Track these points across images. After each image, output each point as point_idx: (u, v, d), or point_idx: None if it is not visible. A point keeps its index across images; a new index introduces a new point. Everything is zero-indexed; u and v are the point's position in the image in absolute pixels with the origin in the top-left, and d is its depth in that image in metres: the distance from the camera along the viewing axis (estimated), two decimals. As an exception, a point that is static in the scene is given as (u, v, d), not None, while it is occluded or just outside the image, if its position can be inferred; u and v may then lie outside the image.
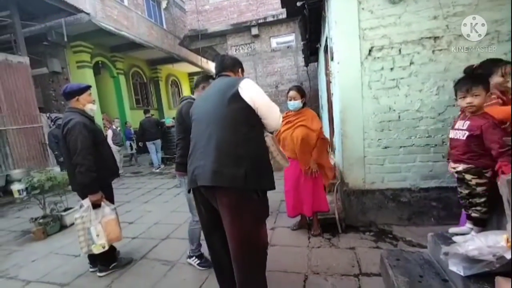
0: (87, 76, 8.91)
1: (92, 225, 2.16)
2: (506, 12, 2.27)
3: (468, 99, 1.55)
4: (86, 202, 2.17)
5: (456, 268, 1.33)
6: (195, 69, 14.93)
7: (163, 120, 8.92)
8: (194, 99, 2.30)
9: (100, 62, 9.93)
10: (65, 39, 7.73)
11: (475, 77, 1.63)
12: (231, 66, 1.73)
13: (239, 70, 1.77)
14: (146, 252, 2.70)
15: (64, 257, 2.74)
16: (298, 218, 2.85)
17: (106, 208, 2.24)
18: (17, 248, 3.09)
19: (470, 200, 1.56)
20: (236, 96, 1.45)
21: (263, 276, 1.59)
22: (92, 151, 2.12)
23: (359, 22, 2.55)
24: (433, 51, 2.44)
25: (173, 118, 9.93)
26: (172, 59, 12.49)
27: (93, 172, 2.10)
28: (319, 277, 2.03)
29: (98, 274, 2.34)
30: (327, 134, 5.31)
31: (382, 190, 2.70)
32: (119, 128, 6.97)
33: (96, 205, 2.19)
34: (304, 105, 2.62)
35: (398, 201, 2.66)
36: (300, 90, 2.59)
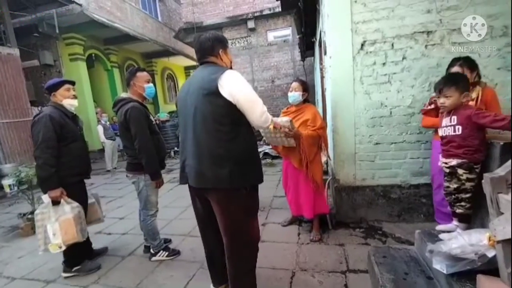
0: (80, 69, 8.76)
1: (49, 222, 2.06)
2: (501, 7, 2.23)
3: (441, 100, 1.61)
4: (46, 198, 2.09)
5: (439, 266, 1.33)
6: (191, 62, 14.74)
7: (158, 114, 8.84)
8: (138, 101, 2.24)
9: (93, 54, 9.74)
10: (57, 31, 7.56)
11: (448, 78, 1.68)
12: (210, 49, 1.53)
13: (220, 51, 1.55)
14: (135, 248, 2.67)
15: (51, 254, 2.70)
16: (290, 214, 2.84)
17: (66, 206, 2.11)
18: (4, 244, 3.06)
19: (457, 195, 1.56)
20: (215, 94, 1.37)
21: (253, 270, 1.62)
22: (53, 145, 2.05)
23: (352, 15, 2.50)
24: (425, 46, 2.40)
25: (169, 112, 9.91)
26: (168, 52, 12.31)
27: (51, 167, 2.03)
28: (307, 273, 2.02)
29: (62, 274, 2.27)
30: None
31: (372, 186, 2.68)
32: (108, 123, 6.87)
33: (55, 202, 2.10)
34: (305, 101, 2.51)
35: (389, 198, 2.65)
36: (303, 83, 2.47)
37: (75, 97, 2.31)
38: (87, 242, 2.38)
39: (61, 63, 8.56)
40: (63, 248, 2.10)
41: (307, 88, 2.49)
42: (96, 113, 8.49)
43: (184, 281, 2.08)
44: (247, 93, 1.41)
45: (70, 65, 8.71)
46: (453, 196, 1.59)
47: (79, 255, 2.28)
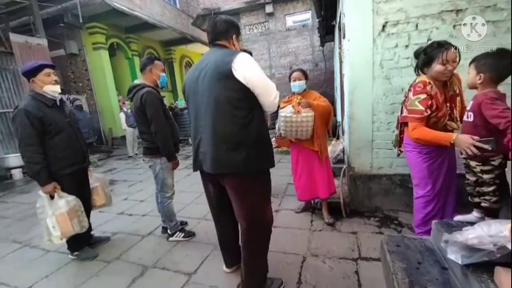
0: (103, 58, 9.06)
1: (48, 216, 2.06)
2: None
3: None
4: (42, 193, 2.08)
5: (454, 256, 1.28)
6: (208, 49, 14.72)
7: (176, 102, 8.99)
8: (152, 87, 2.27)
9: (115, 43, 10.02)
10: (81, 20, 7.81)
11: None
12: (224, 33, 1.52)
13: (233, 36, 1.55)
14: (154, 228, 2.82)
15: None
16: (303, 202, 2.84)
17: (60, 200, 2.07)
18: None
19: (478, 188, 1.47)
20: (230, 77, 1.36)
21: (266, 253, 1.67)
22: (34, 142, 1.96)
23: (373, -6, 2.35)
24: (454, 26, 2.23)
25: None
26: (186, 39, 12.35)
27: (37, 164, 1.97)
28: (317, 259, 2.03)
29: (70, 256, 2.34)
30: (339, 117, 5.14)
31: (389, 175, 2.60)
32: (130, 110, 7.11)
33: (52, 196, 2.08)
34: (305, 88, 2.54)
35: (406, 187, 2.56)
36: (303, 72, 2.53)
37: (56, 82, 2.12)
38: (88, 229, 2.36)
39: (85, 52, 8.89)
40: (64, 240, 2.15)
41: (307, 76, 2.56)
42: (119, 101, 8.80)
43: (199, 261, 2.17)
44: (261, 76, 1.40)
45: (93, 54, 9.02)
46: (474, 189, 1.50)
47: (77, 242, 2.30)
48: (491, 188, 1.43)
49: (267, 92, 1.43)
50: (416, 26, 2.31)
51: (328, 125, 2.53)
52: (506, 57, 1.42)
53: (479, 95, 1.44)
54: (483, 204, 1.50)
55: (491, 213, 1.51)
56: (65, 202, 2.10)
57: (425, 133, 1.61)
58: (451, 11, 2.21)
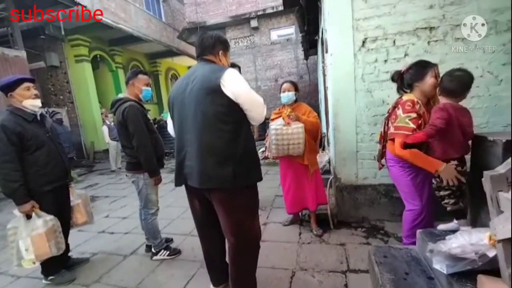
0: (86, 70, 8.88)
1: (21, 238, 1.91)
2: (506, 1, 2.17)
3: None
4: (17, 212, 1.96)
5: (439, 266, 1.30)
6: (195, 62, 14.75)
7: (162, 115, 8.89)
8: (135, 101, 2.25)
9: (98, 56, 9.87)
10: (63, 33, 7.68)
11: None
12: (210, 48, 1.54)
13: (220, 52, 1.56)
14: (137, 247, 2.69)
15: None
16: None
17: (38, 220, 1.95)
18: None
19: (437, 193, 1.59)
20: (218, 92, 1.36)
21: (255, 270, 1.63)
22: (11, 159, 1.87)
23: (353, 12, 2.47)
24: (428, 42, 2.36)
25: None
26: (172, 52, 12.39)
27: (14, 182, 1.87)
28: (307, 273, 2.01)
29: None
30: (323, 128, 5.24)
31: (374, 185, 2.65)
32: (113, 123, 6.93)
33: (28, 215, 1.95)
34: (296, 100, 2.58)
35: (391, 197, 2.61)
36: (293, 83, 2.57)
37: (37, 96, 2.04)
38: (65, 251, 2.20)
39: (66, 64, 8.69)
40: (37, 264, 1.98)
41: (297, 87, 2.59)
42: (102, 114, 8.58)
43: (185, 280, 2.08)
44: (249, 92, 1.42)
45: (75, 66, 8.83)
46: (438, 194, 1.64)
47: (53, 265, 2.14)
48: (447, 192, 1.54)
49: (254, 107, 1.45)
50: (394, 42, 2.43)
51: (317, 141, 2.57)
52: (454, 78, 1.62)
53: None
54: (448, 208, 1.60)
55: (460, 215, 1.63)
56: (43, 222, 1.96)
57: (416, 156, 1.66)
58: (425, 28, 2.35)
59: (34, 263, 1.96)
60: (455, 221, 1.61)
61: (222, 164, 1.40)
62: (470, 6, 2.22)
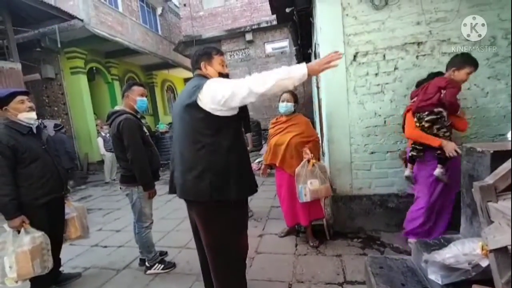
0: (81, 82, 8.87)
1: (7, 254, 1.82)
2: (488, 17, 2.28)
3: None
4: (7, 227, 1.90)
5: (434, 276, 1.31)
6: (191, 74, 14.54)
7: (157, 126, 8.88)
8: (131, 113, 2.25)
9: (94, 68, 9.90)
10: (59, 45, 7.72)
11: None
12: (195, 63, 1.60)
13: (202, 63, 1.55)
14: (131, 261, 2.64)
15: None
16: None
17: (26, 237, 1.86)
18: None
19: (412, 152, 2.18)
20: (195, 107, 1.38)
21: (240, 285, 1.57)
22: (4, 173, 1.85)
23: (344, 28, 2.56)
24: (417, 57, 2.45)
25: (168, 124, 9.97)
26: (168, 64, 12.49)
27: (3, 196, 1.83)
28: (303, 285, 1.99)
29: None
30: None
31: (369, 195, 2.67)
32: (108, 135, 6.89)
33: (18, 230, 1.89)
34: (294, 111, 2.60)
35: (386, 207, 2.64)
36: (294, 94, 2.59)
37: (31, 109, 2.02)
38: (55, 266, 2.12)
39: (62, 76, 8.69)
40: (19, 283, 1.88)
41: (297, 99, 2.62)
42: (97, 125, 8.53)
43: (180, 294, 2.04)
44: (224, 91, 1.33)
45: (71, 78, 8.83)
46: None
47: (42, 282, 2.03)
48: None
49: (235, 94, 1.33)
50: (384, 56, 2.52)
51: (318, 156, 2.60)
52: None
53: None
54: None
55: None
56: (31, 238, 1.87)
57: (422, 136, 2.08)
58: (413, 43, 2.45)
59: (16, 282, 1.86)
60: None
61: (198, 177, 1.39)
62: (454, 23, 2.33)
